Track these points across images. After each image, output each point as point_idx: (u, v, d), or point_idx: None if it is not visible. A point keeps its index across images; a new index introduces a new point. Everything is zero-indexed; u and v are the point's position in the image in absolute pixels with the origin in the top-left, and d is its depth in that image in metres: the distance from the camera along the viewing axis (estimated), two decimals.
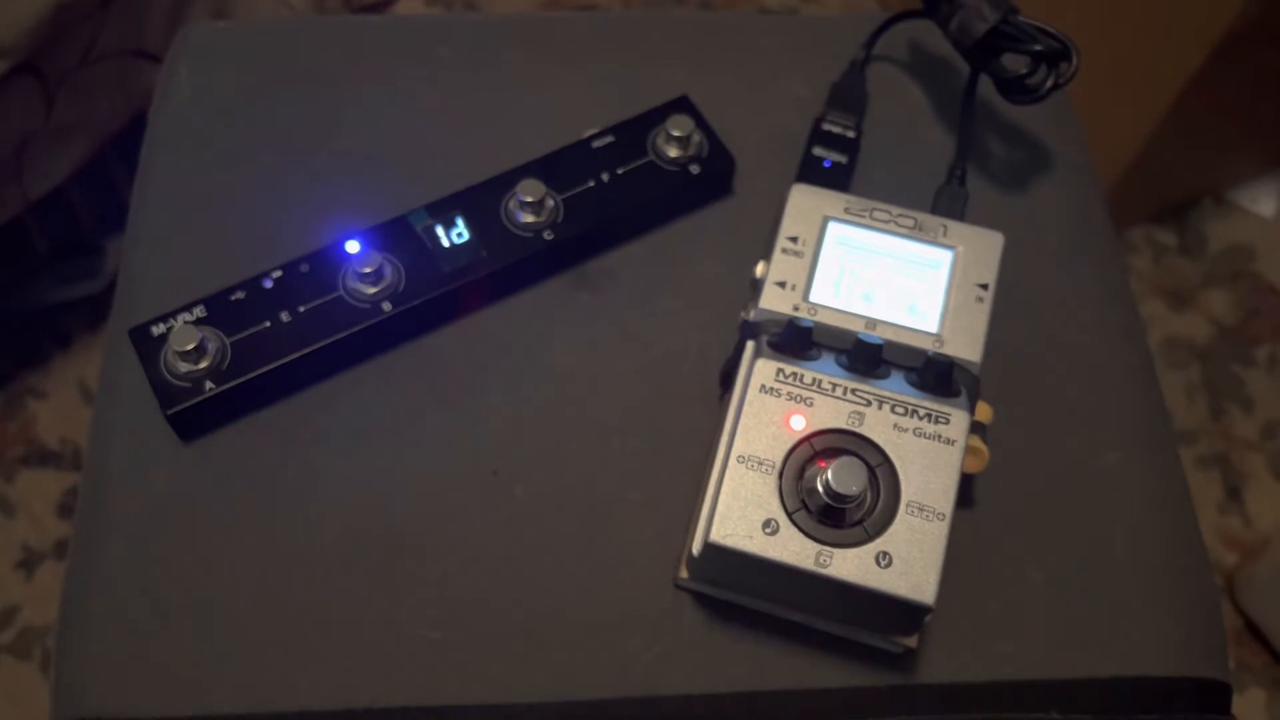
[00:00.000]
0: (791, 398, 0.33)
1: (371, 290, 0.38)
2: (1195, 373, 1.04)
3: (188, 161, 0.44)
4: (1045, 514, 0.38)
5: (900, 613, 0.32)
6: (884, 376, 0.34)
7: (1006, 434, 0.37)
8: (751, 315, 0.36)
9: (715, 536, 0.32)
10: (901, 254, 0.37)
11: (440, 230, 0.40)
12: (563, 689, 0.34)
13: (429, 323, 0.40)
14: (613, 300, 0.41)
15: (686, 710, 0.34)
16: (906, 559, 0.31)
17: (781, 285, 0.36)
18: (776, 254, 0.37)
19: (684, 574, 0.35)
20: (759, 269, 0.37)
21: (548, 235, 0.40)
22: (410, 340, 0.40)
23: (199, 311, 0.38)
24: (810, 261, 0.37)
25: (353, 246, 0.39)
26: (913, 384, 0.34)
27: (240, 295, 0.38)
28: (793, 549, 0.31)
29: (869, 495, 0.32)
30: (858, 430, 0.33)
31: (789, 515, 0.32)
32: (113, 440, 0.38)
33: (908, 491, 0.32)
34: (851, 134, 0.44)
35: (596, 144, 0.42)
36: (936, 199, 0.41)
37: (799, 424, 0.33)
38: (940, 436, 0.33)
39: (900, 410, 0.33)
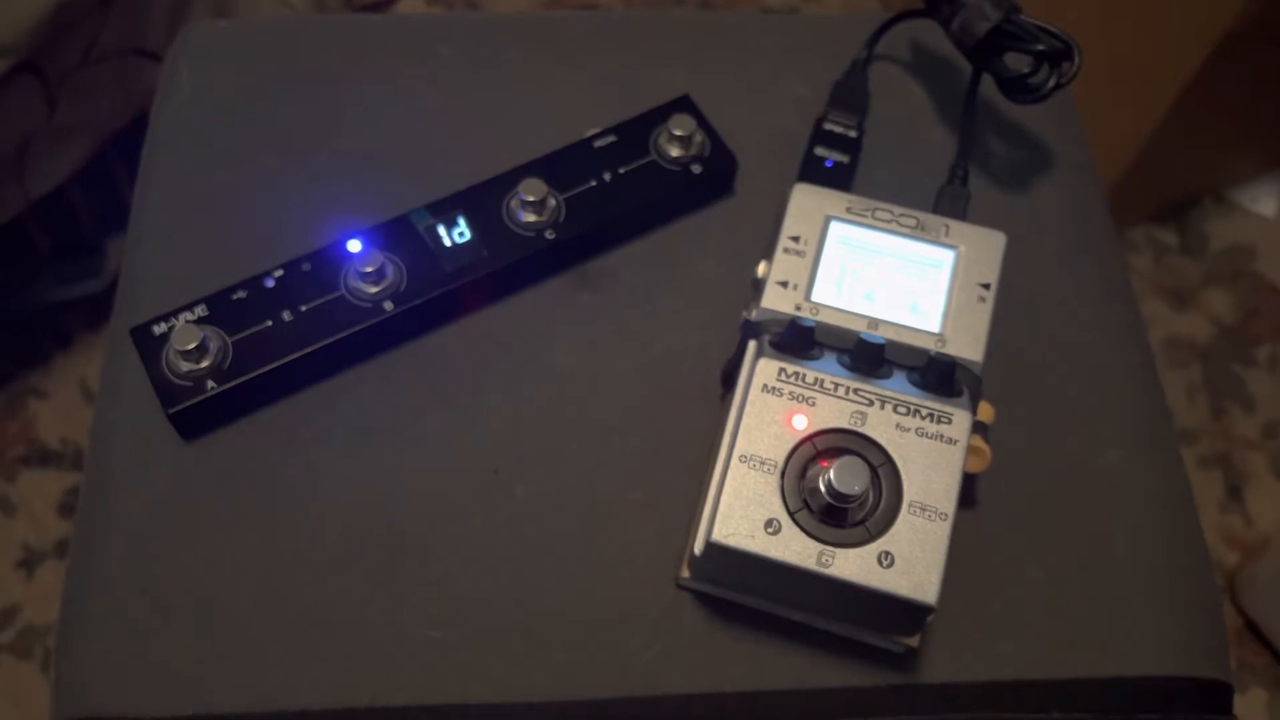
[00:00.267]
0: (793, 397, 0.33)
1: (373, 289, 0.38)
2: (1196, 372, 1.04)
3: (189, 161, 0.44)
4: (1047, 513, 0.38)
5: (902, 612, 0.32)
6: (886, 376, 0.34)
7: (1008, 433, 0.37)
8: (753, 315, 0.36)
9: (717, 536, 0.32)
10: (903, 253, 0.37)
11: (442, 229, 0.40)
12: (563, 688, 0.34)
13: (430, 322, 0.40)
14: (614, 300, 0.41)
15: (687, 710, 0.34)
16: (908, 559, 0.31)
17: (783, 285, 0.36)
18: (778, 253, 0.37)
19: (685, 573, 0.35)
20: (761, 268, 0.37)
21: (549, 235, 0.40)
22: (411, 339, 0.40)
23: (200, 311, 0.38)
24: (812, 261, 0.37)
25: (354, 246, 0.39)
26: (915, 384, 0.34)
27: (242, 294, 0.38)
28: (794, 549, 0.31)
29: (871, 495, 0.32)
30: (860, 430, 0.33)
31: (791, 515, 0.32)
32: (114, 439, 0.38)
33: (910, 491, 0.32)
34: (853, 133, 0.43)
35: (598, 143, 0.42)
36: (938, 198, 0.41)
37: (801, 423, 0.33)
38: (942, 436, 0.33)
39: (902, 410, 0.33)
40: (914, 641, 0.34)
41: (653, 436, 0.38)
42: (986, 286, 0.37)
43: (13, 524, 0.92)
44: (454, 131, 0.45)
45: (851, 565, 0.31)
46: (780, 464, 0.32)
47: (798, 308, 0.36)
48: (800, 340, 0.34)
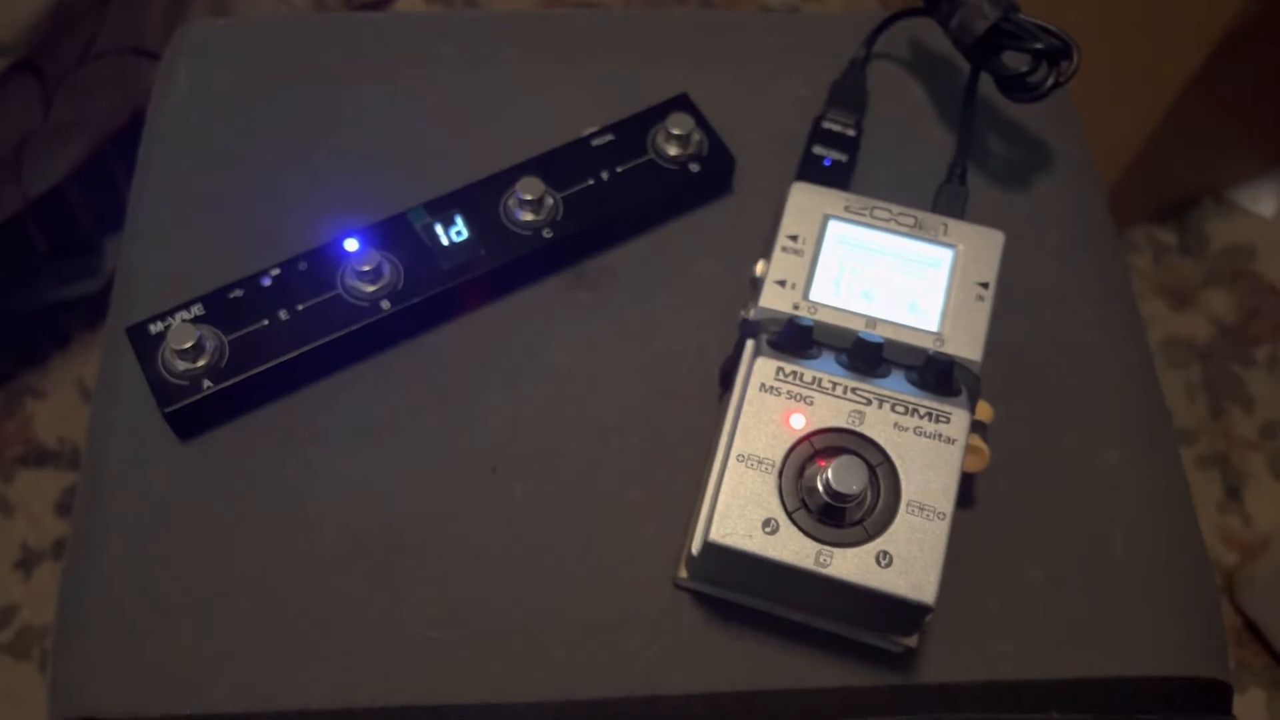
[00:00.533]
0: (791, 396, 0.33)
1: (370, 288, 0.38)
2: (1195, 372, 1.04)
3: (186, 159, 0.44)
4: (1045, 513, 0.38)
5: (900, 612, 0.32)
6: (884, 375, 0.34)
7: (1006, 432, 0.37)
8: (751, 314, 0.36)
9: (715, 535, 0.31)
10: (902, 252, 0.37)
11: (439, 228, 0.40)
12: (562, 688, 0.34)
13: (428, 321, 0.40)
14: (612, 299, 0.41)
15: (686, 710, 0.34)
16: (907, 558, 0.31)
17: (781, 284, 0.36)
18: (776, 252, 0.37)
19: (683, 573, 0.35)
20: (759, 267, 0.37)
21: (547, 234, 0.40)
22: (409, 339, 0.40)
23: (197, 310, 0.38)
24: (810, 260, 0.37)
25: (351, 244, 0.39)
26: (913, 383, 0.34)
27: (238, 293, 0.38)
28: (792, 548, 0.31)
29: (869, 494, 0.32)
30: (858, 429, 0.33)
31: (789, 514, 0.32)
32: (111, 439, 0.38)
33: (908, 491, 0.32)
34: (852, 132, 0.43)
35: (596, 142, 0.42)
36: (937, 197, 0.41)
37: (799, 423, 0.33)
38: (941, 435, 0.33)
39: (901, 409, 0.33)
40: (912, 641, 0.34)
41: (651, 436, 0.38)
42: (985, 285, 0.36)
43: (11, 524, 0.92)
44: (452, 130, 0.45)
45: (849, 565, 0.31)
46: (778, 463, 0.32)
47: (796, 307, 0.36)
48: (798, 339, 0.34)
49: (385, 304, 0.38)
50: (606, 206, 0.41)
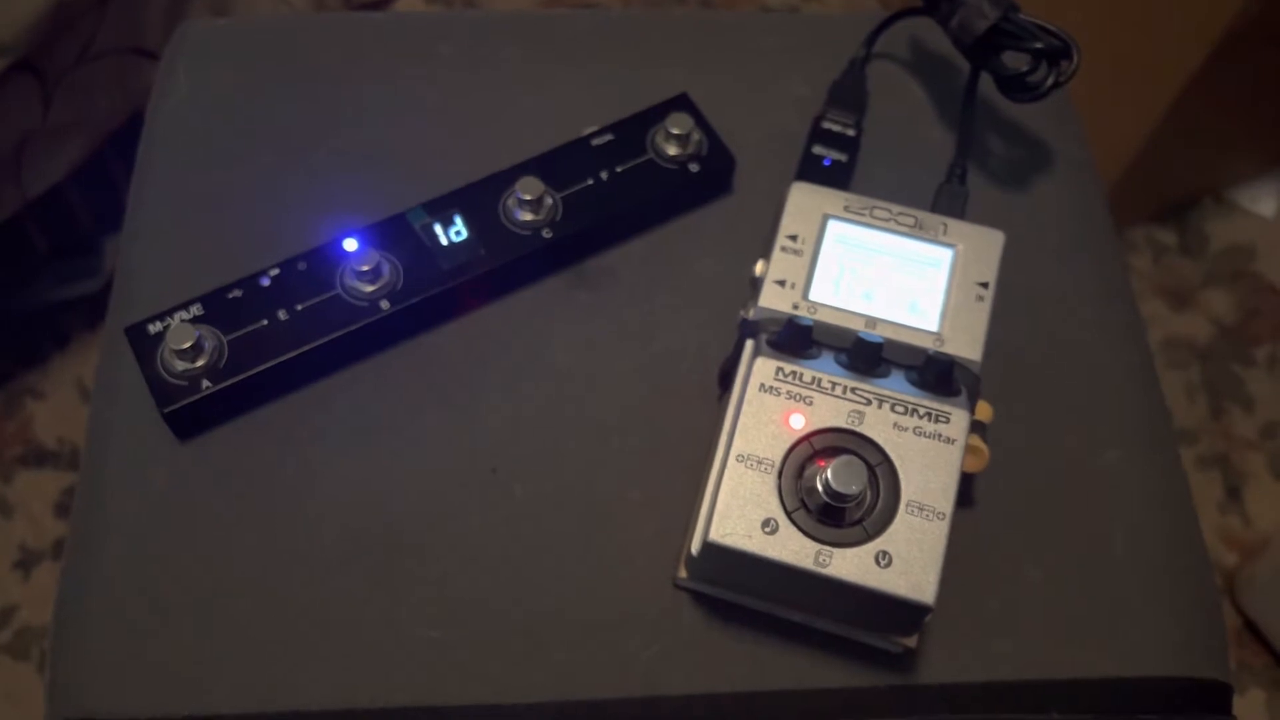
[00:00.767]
0: (791, 396, 0.33)
1: (369, 288, 0.38)
2: (1195, 372, 1.04)
3: (185, 159, 0.44)
4: (1045, 513, 0.38)
5: (900, 612, 0.32)
6: (884, 375, 0.34)
7: (1006, 432, 0.37)
8: (751, 314, 0.36)
9: (714, 535, 0.31)
10: (902, 252, 0.37)
11: (439, 228, 0.40)
12: (562, 688, 0.34)
13: (427, 321, 0.40)
14: (612, 299, 0.41)
15: (686, 710, 0.34)
16: (906, 558, 0.31)
17: (781, 284, 0.36)
18: (776, 252, 0.37)
19: (683, 573, 0.35)
20: (758, 267, 0.37)
21: (546, 234, 0.40)
22: (408, 338, 0.40)
23: (196, 310, 0.38)
24: (810, 260, 0.37)
25: (350, 244, 0.39)
26: (913, 383, 0.34)
27: (237, 293, 0.38)
28: (792, 548, 0.31)
29: (869, 494, 0.32)
30: (857, 429, 0.33)
31: (788, 514, 0.32)
32: (110, 439, 0.38)
33: (908, 491, 0.32)
34: (851, 132, 0.43)
35: (595, 142, 0.42)
36: (937, 197, 0.41)
37: (798, 423, 0.33)
38: (940, 435, 0.33)
39: (900, 409, 0.33)
40: (912, 642, 0.34)
41: (651, 436, 0.38)
42: (985, 285, 0.36)
43: (10, 524, 0.92)
44: (452, 130, 0.45)
45: (849, 565, 0.31)
46: (777, 463, 0.32)
47: (795, 306, 0.36)
48: (798, 339, 0.34)
49: (384, 304, 0.38)
50: (606, 206, 0.41)
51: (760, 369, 0.34)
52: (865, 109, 0.44)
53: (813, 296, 0.36)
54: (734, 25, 0.51)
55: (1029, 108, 0.42)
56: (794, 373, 0.33)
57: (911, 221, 0.38)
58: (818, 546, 0.31)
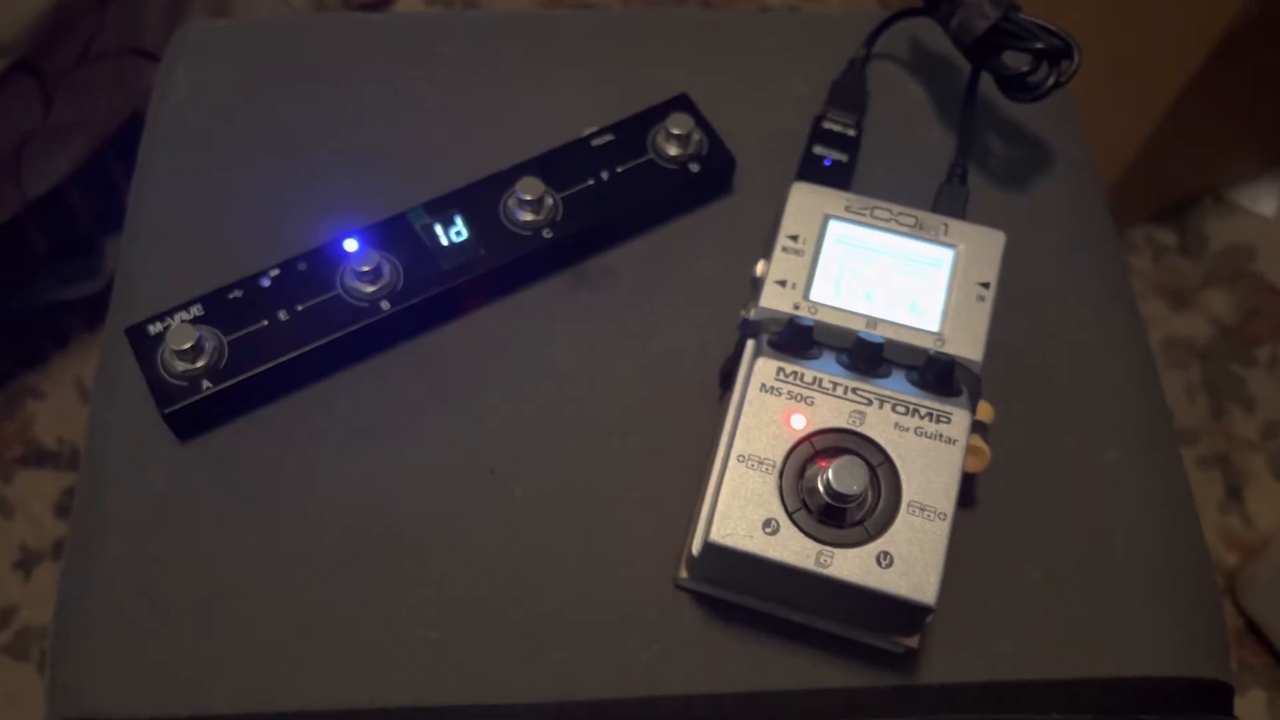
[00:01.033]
0: (792, 397, 0.33)
1: (370, 289, 0.38)
2: (1195, 372, 1.04)
3: (185, 160, 0.44)
4: (1046, 513, 0.38)
5: (901, 613, 0.32)
6: (885, 375, 0.34)
7: (1007, 432, 0.37)
8: (752, 314, 0.36)
9: (715, 536, 0.31)
10: (902, 252, 0.37)
11: (439, 229, 0.40)
12: (562, 689, 0.34)
13: (427, 321, 0.40)
14: (612, 299, 0.41)
15: (686, 710, 0.34)
16: (907, 559, 0.31)
17: (782, 284, 0.36)
18: (777, 252, 0.37)
19: (684, 574, 0.35)
20: (759, 267, 0.37)
21: (547, 234, 0.40)
22: (409, 339, 0.39)
23: (196, 310, 0.38)
24: (811, 260, 0.37)
25: (351, 245, 0.39)
26: (914, 383, 0.34)
27: (238, 294, 0.38)
28: (793, 549, 0.31)
29: (870, 495, 0.32)
30: (858, 429, 0.33)
31: (789, 515, 0.32)
32: (110, 439, 0.38)
33: (909, 491, 0.32)
34: (852, 132, 0.43)
35: (596, 142, 0.42)
36: (937, 197, 0.41)
37: (799, 423, 0.33)
38: (941, 436, 0.33)
39: (901, 409, 0.33)
40: (913, 642, 0.34)
41: (651, 436, 0.38)
42: (985, 285, 0.36)
43: (10, 525, 0.92)
44: (453, 130, 0.45)
45: (850, 565, 0.31)
46: (778, 464, 0.32)
47: (796, 307, 0.36)
48: (798, 339, 0.34)
49: (385, 304, 0.38)
50: (606, 206, 0.41)
51: (761, 369, 0.33)
52: (866, 109, 0.44)
53: (813, 296, 0.36)
54: (734, 25, 0.51)
55: (1029, 108, 0.42)
56: (795, 373, 0.33)
57: (912, 221, 0.38)
58: (819, 547, 0.31)
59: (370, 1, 1.18)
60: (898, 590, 0.31)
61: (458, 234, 0.40)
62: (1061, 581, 0.36)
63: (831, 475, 0.31)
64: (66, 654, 0.34)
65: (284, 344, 0.37)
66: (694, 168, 0.42)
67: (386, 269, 0.39)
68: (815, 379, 0.33)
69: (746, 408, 0.33)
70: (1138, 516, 0.38)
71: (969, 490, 0.37)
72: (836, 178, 0.42)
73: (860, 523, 0.32)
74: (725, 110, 0.43)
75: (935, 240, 0.37)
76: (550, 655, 0.34)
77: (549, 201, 0.40)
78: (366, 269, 0.38)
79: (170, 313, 0.37)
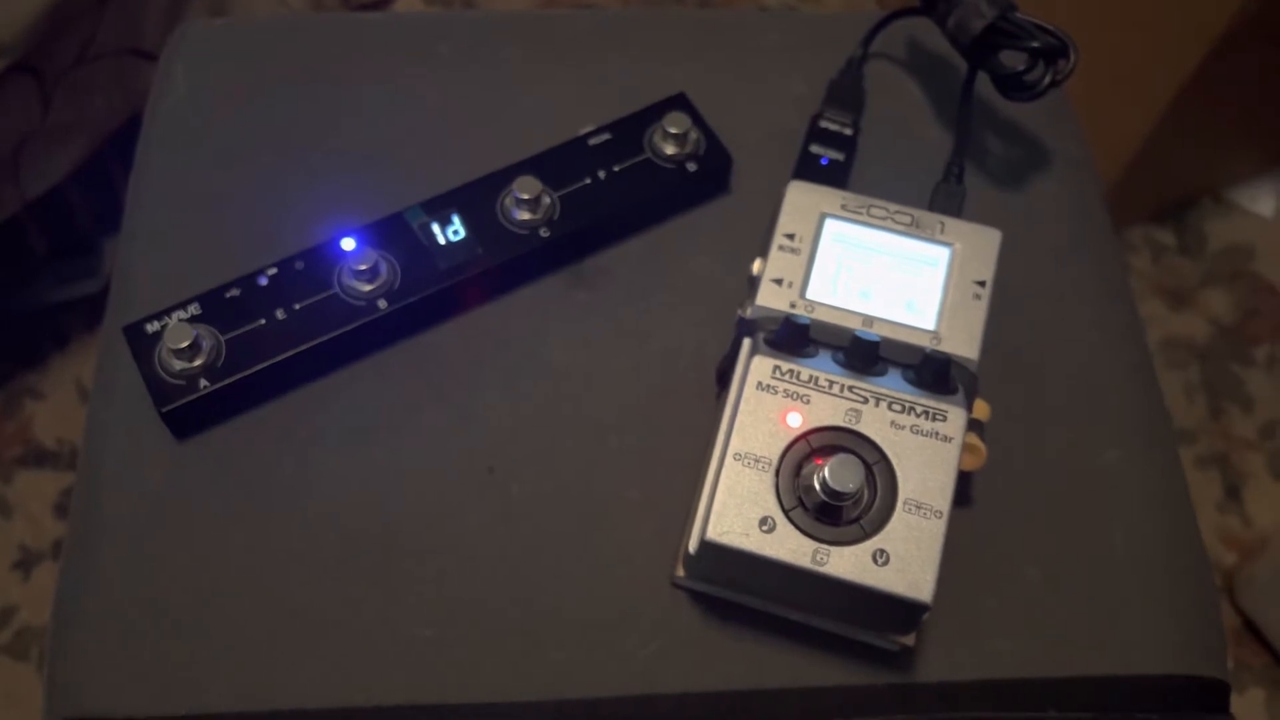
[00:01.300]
0: (788, 395, 0.33)
1: (367, 288, 0.38)
2: (1194, 372, 1.04)
3: (183, 159, 0.44)
4: (1043, 512, 0.38)
5: (897, 611, 0.32)
6: (881, 374, 0.34)
7: (1004, 431, 0.37)
8: (748, 312, 0.36)
9: (711, 534, 0.31)
10: (899, 251, 0.37)
11: (436, 227, 0.40)
12: (559, 687, 0.34)
13: (425, 320, 0.40)
14: (609, 298, 0.41)
15: (684, 708, 0.34)
16: (904, 557, 0.31)
17: (778, 282, 0.36)
18: (773, 251, 0.37)
19: (681, 572, 0.35)
20: (756, 266, 0.37)
21: (544, 233, 0.40)
22: (406, 338, 0.40)
23: (194, 309, 0.38)
24: (807, 258, 0.37)
25: (348, 244, 0.39)
26: (910, 381, 0.34)
27: (235, 292, 0.38)
28: (789, 547, 0.31)
29: (866, 493, 0.32)
30: (855, 428, 0.33)
31: (786, 513, 0.32)
32: (107, 438, 0.38)
33: (905, 489, 0.32)
34: (849, 131, 0.43)
35: (593, 141, 0.42)
36: (934, 196, 0.41)
37: (796, 421, 0.33)
38: (937, 434, 0.33)
39: (897, 408, 0.33)
40: (910, 640, 0.34)
41: (648, 434, 0.38)
42: (982, 284, 0.36)
43: (9, 525, 0.92)
44: (451, 130, 0.45)
45: (846, 563, 0.31)
46: (775, 462, 0.32)
47: (793, 305, 0.36)
48: (795, 338, 0.34)
49: (382, 303, 0.38)
50: (604, 206, 0.41)
51: (758, 367, 0.34)
52: (863, 108, 0.44)
53: (810, 295, 0.36)
54: (732, 24, 0.51)
55: (1026, 107, 0.42)
56: (791, 371, 0.33)
57: (909, 220, 0.38)
58: (815, 545, 0.31)
59: (369, 1, 1.18)
60: (894, 588, 0.31)
61: (455, 233, 0.40)
62: (1059, 580, 0.36)
63: (828, 473, 0.31)
64: (65, 653, 0.34)
65: (281, 343, 0.37)
66: (691, 167, 0.42)
67: (384, 268, 0.39)
68: (811, 377, 0.33)
69: (743, 406, 0.33)
70: (1136, 515, 0.38)
71: (966, 489, 0.37)
72: (833, 176, 0.42)
73: (856, 521, 0.32)
74: (722, 109, 0.43)
75: (932, 239, 0.37)
76: (548, 654, 0.34)
77: (546, 201, 0.40)
78: (364, 268, 0.38)
79: (168, 311, 0.37)
